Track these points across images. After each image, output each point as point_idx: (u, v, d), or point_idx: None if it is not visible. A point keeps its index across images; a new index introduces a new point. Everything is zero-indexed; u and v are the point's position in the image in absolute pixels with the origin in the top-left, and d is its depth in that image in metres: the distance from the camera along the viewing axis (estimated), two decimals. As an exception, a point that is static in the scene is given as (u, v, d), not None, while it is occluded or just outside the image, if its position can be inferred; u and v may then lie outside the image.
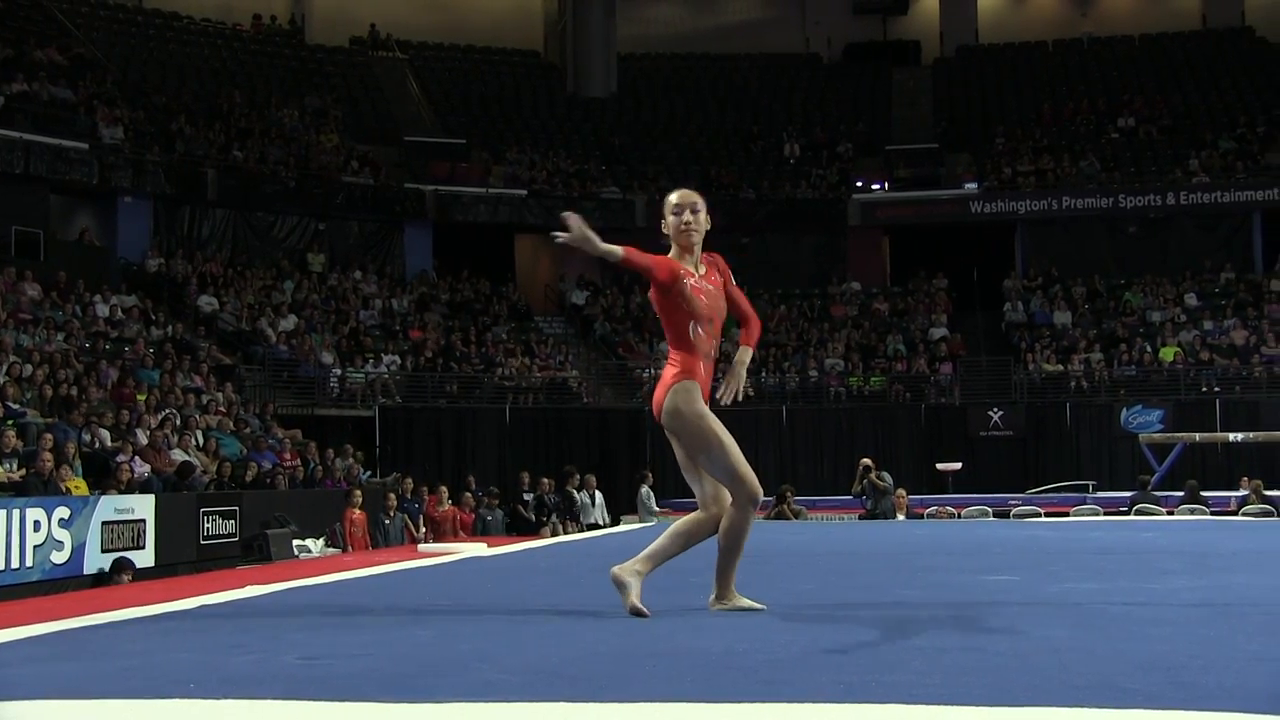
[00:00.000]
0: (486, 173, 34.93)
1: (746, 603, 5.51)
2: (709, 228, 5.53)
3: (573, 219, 5.20)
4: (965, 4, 42.79)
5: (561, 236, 5.19)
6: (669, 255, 5.51)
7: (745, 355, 5.68)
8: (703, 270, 5.50)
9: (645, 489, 21.63)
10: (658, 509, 21.69)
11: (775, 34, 42.66)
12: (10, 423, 16.37)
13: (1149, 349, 30.31)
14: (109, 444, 17.75)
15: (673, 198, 5.56)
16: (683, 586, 7.13)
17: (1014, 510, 20.94)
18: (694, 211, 5.46)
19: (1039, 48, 41.47)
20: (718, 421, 5.43)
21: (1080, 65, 40.30)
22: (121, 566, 13.24)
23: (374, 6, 40.65)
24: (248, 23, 39.39)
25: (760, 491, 5.48)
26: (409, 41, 40.42)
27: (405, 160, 34.88)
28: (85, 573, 13.70)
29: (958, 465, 25.98)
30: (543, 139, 37.43)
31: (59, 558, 13.35)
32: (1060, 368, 30.21)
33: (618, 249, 5.33)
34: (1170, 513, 18.44)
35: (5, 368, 18.91)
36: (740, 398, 5.66)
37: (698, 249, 5.50)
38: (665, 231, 5.56)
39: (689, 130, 38.81)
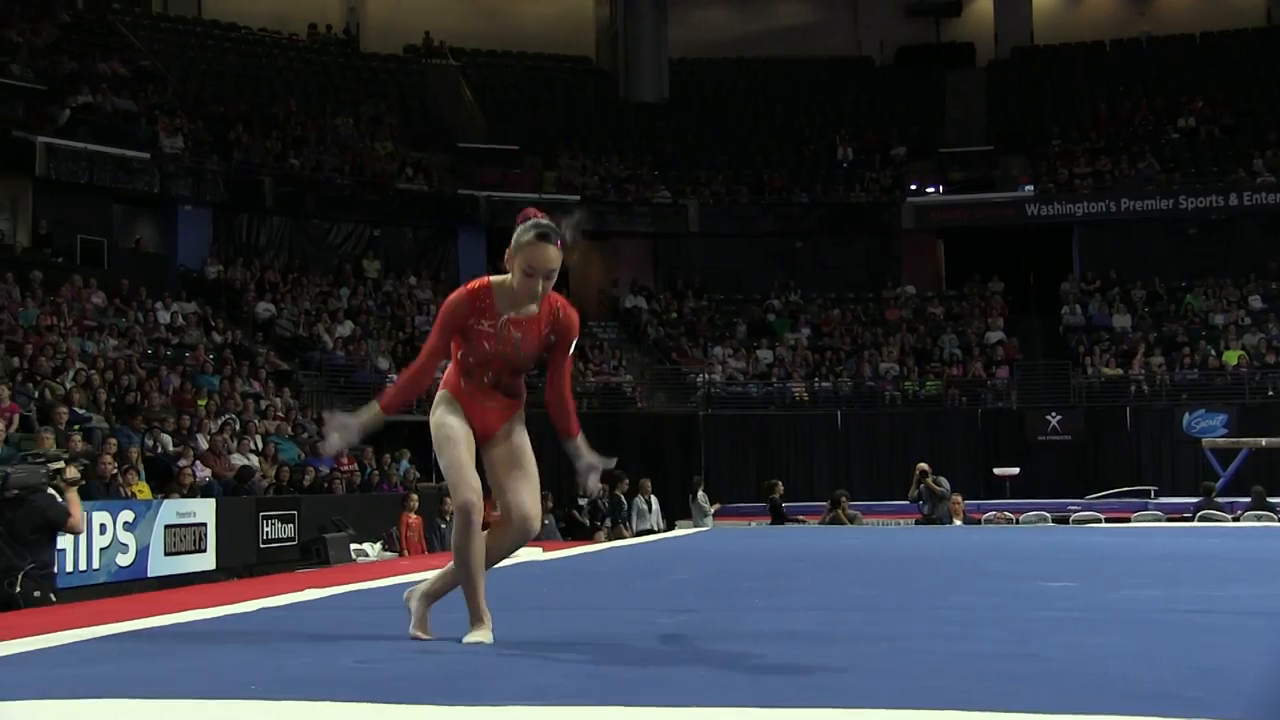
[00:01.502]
0: (538, 179, 35.01)
1: (422, 620, 4.95)
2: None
3: (332, 435, 5.11)
4: (1020, 5, 42.44)
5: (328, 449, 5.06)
6: (504, 279, 4.82)
7: (581, 447, 5.12)
8: (523, 312, 4.80)
9: (700, 493, 21.65)
10: (711, 513, 21.69)
11: (827, 37, 42.51)
12: (76, 428, 16.59)
13: (1212, 352, 29.95)
14: (171, 449, 17.96)
15: (530, 254, 4.68)
16: (734, 591, 7.14)
17: (1073, 516, 20.77)
18: (546, 278, 4.72)
19: (1096, 48, 41.04)
20: (457, 428, 4.83)
21: (1138, 65, 39.86)
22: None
23: (427, 15, 40.84)
24: (303, 32, 39.67)
25: (473, 504, 4.73)
26: (461, 49, 40.57)
27: (458, 167, 34.99)
28: (150, 575, 13.86)
29: (1015, 470, 25.75)
30: (594, 144, 37.45)
31: (124, 560, 13.52)
32: (1120, 371, 29.90)
33: (374, 405, 4.98)
34: (1235, 519, 18.21)
35: (71, 374, 19.17)
36: (594, 490, 5.33)
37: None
38: (505, 264, 4.81)
39: (741, 134, 38.72)
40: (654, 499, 21.81)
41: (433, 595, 4.97)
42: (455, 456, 4.78)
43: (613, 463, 5.16)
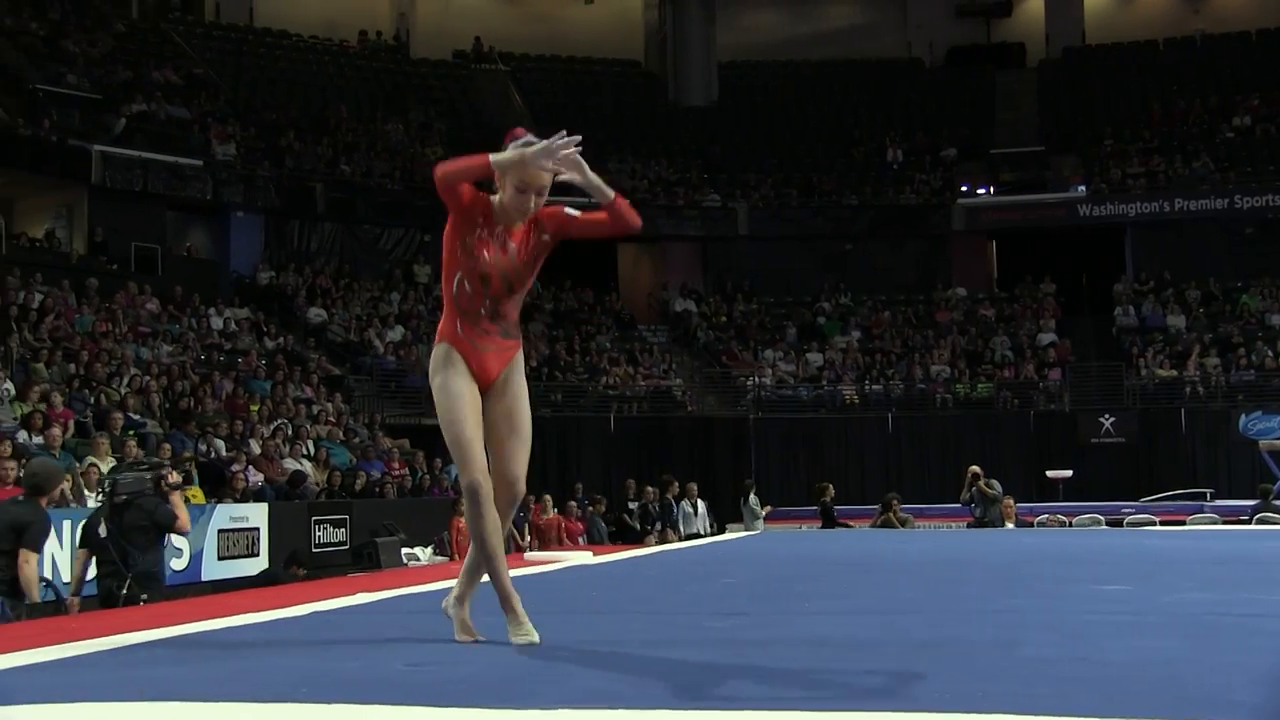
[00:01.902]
0: (588, 183, 35.02)
1: (464, 624, 4.81)
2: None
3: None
4: (1071, 4, 42.10)
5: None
6: (498, 197, 4.79)
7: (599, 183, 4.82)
8: (514, 225, 4.79)
9: (752, 497, 21.63)
10: (763, 516, 21.65)
11: (876, 39, 42.33)
12: (131, 433, 16.76)
13: (1269, 353, 29.61)
14: (224, 453, 18.11)
15: (522, 174, 4.69)
16: (785, 594, 7.13)
17: (1127, 519, 20.60)
18: (538, 195, 4.74)
19: (1149, 47, 40.71)
20: (461, 397, 4.72)
21: (1192, 63, 39.45)
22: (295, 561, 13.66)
23: (476, 21, 40.99)
24: (354, 39, 39.91)
25: (476, 491, 4.64)
26: (511, 54, 40.70)
27: (508, 172, 35.05)
28: (203, 579, 13.97)
29: (1068, 473, 25.54)
30: (643, 148, 37.45)
31: (179, 565, 13.63)
32: (1174, 373, 29.61)
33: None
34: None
35: (126, 380, 19.38)
36: (567, 173, 4.71)
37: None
38: (499, 185, 4.78)
39: (790, 137, 38.65)
40: (701, 502, 21.77)
41: (463, 597, 4.88)
42: (461, 434, 4.66)
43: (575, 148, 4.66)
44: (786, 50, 41.59)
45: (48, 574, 9.47)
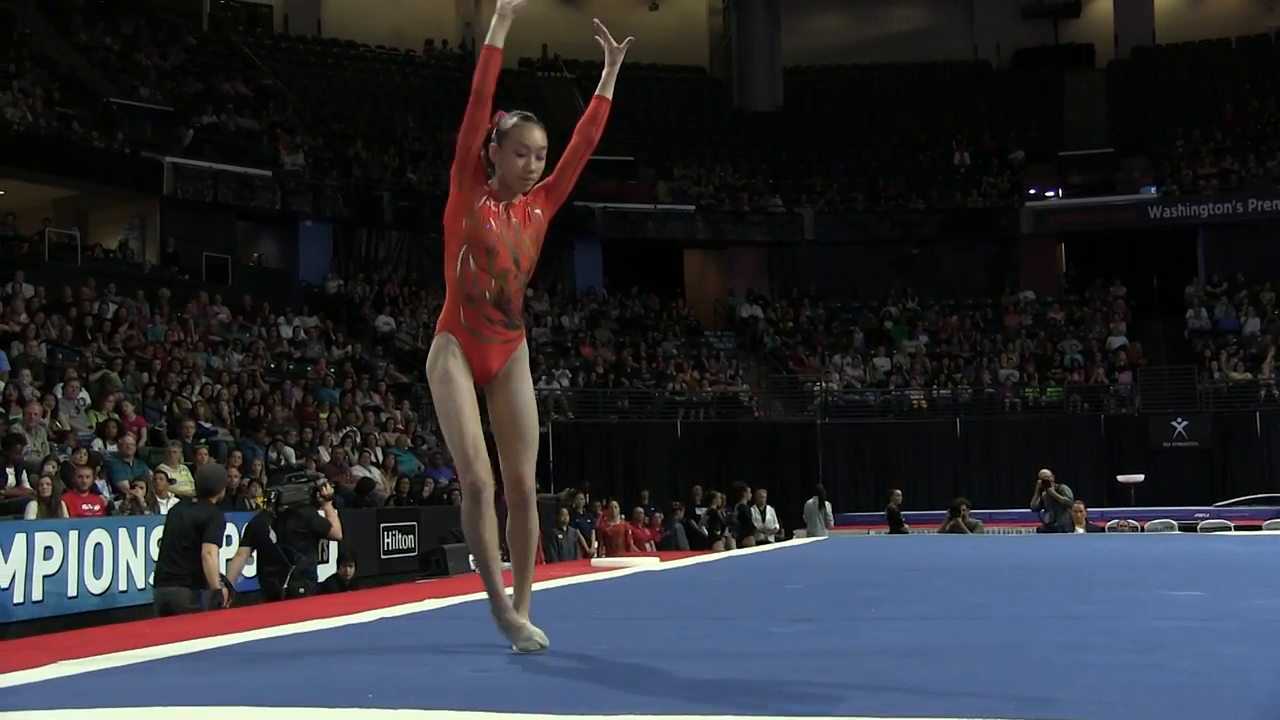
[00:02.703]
0: (653, 189, 35.11)
1: (528, 629, 4.60)
2: None
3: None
4: (1141, 4, 41.68)
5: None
6: (491, 178, 4.75)
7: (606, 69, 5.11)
8: (516, 200, 4.76)
9: (823, 502, 21.51)
10: (831, 521, 21.53)
11: (942, 42, 42.10)
12: (202, 441, 16.95)
13: (1349, 356, 29.14)
14: (293, 461, 18.24)
15: (518, 133, 4.76)
16: (852, 600, 7.10)
17: (1201, 523, 20.36)
18: (539, 159, 4.75)
19: (1220, 45, 40.21)
20: (459, 391, 4.59)
21: (1266, 62, 38.93)
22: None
23: (542, 28, 41.09)
24: (420, 49, 40.21)
25: (478, 492, 4.51)
26: (576, 61, 40.80)
27: (573, 179, 35.16)
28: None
29: (1140, 477, 25.21)
30: (709, 154, 37.48)
31: (249, 570, 13.73)
32: (1249, 375, 29.20)
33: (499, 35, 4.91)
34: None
35: (198, 388, 19.59)
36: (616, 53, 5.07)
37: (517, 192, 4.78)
38: (492, 159, 4.75)
39: (856, 141, 38.53)
40: (770, 508, 21.71)
41: (502, 606, 4.63)
42: (459, 429, 4.53)
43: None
44: (852, 54, 41.49)
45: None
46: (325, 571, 13.70)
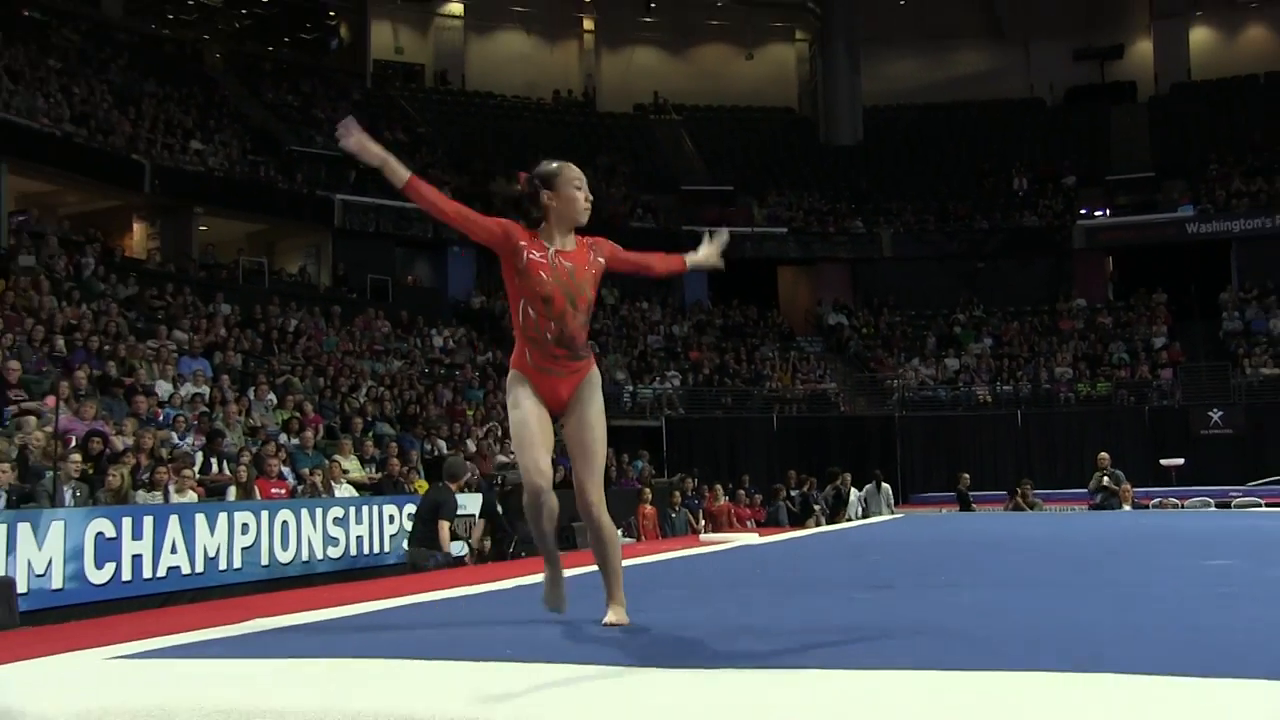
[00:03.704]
0: (751, 214, 35.05)
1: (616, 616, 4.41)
2: None
3: (351, 131, 4.23)
4: (1178, 45, 40.87)
5: (344, 143, 4.26)
6: (539, 228, 4.41)
7: (698, 258, 4.82)
8: (567, 246, 4.41)
9: (884, 485, 21.27)
10: (892, 500, 21.28)
11: (1002, 82, 41.54)
12: (369, 435, 17.22)
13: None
14: (445, 452, 18.44)
15: (570, 172, 4.44)
16: (925, 569, 7.05)
17: (1235, 501, 19.86)
18: (590, 192, 4.47)
19: (1250, 81, 39.24)
20: (526, 409, 4.37)
21: (1290, 94, 37.98)
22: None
23: (654, 78, 41.31)
24: (549, 97, 40.52)
25: (537, 494, 4.29)
26: (683, 105, 40.90)
27: (681, 206, 35.27)
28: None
29: (1180, 461, 24.66)
30: (798, 183, 37.33)
31: (409, 545, 13.97)
32: (1277, 371, 28.47)
33: (402, 172, 4.24)
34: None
35: (364, 390, 19.90)
36: (717, 261, 4.81)
37: (572, 231, 4.46)
38: (550, 204, 4.38)
39: (927, 170, 38.13)
40: (854, 490, 21.55)
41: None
42: (523, 440, 4.34)
43: (722, 247, 4.78)
44: (923, 94, 41.08)
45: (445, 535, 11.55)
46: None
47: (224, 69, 33.69)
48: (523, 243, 4.34)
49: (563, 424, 4.53)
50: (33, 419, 12.21)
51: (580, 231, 4.49)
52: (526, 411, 4.36)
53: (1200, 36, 41.38)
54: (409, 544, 11.86)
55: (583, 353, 4.49)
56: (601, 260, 4.47)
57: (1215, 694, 2.68)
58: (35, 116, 23.75)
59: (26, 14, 29.78)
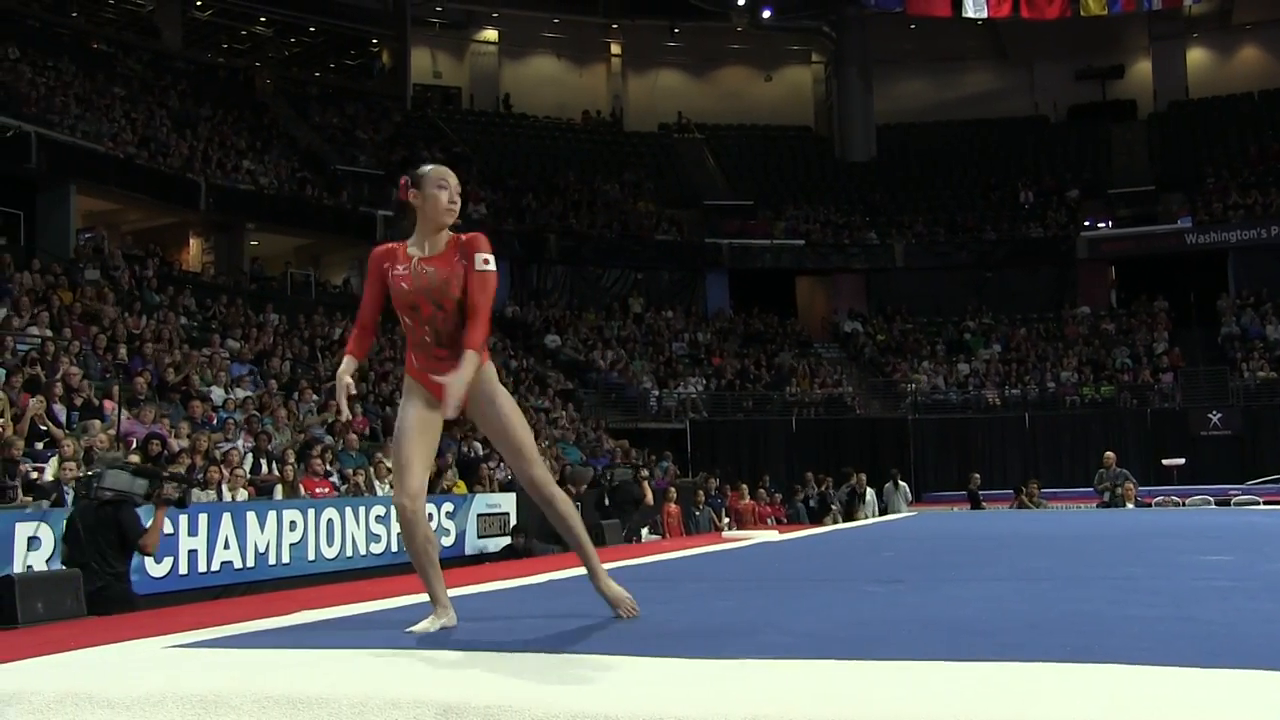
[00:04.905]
0: (770, 227, 35.03)
1: (620, 597, 4.37)
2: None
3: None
4: (1176, 64, 40.63)
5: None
6: (413, 233, 4.27)
7: (464, 362, 4.05)
8: (437, 250, 4.22)
9: (901, 483, 21.23)
10: (910, 497, 21.22)
11: (1008, 101, 41.43)
12: (409, 438, 17.19)
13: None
14: (480, 453, 18.48)
15: (438, 173, 4.26)
16: (936, 564, 7.02)
17: (1234, 499, 19.70)
18: (457, 194, 4.26)
19: (1245, 98, 38.97)
20: (408, 427, 4.20)
21: (1284, 111, 37.69)
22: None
23: (678, 99, 41.33)
24: (579, 117, 40.60)
25: (405, 503, 4.13)
26: (705, 124, 40.92)
27: (704, 220, 35.28)
28: (466, 554, 14.33)
29: (1181, 460, 24.53)
30: (815, 197, 37.27)
31: (447, 541, 14.02)
32: (1274, 374, 28.26)
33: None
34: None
35: (404, 394, 19.91)
36: (452, 414, 4.05)
37: (445, 231, 4.26)
38: (414, 203, 4.23)
39: (937, 184, 38.02)
40: (870, 490, 21.49)
41: (599, 575, 4.44)
42: (397, 459, 4.20)
43: (456, 402, 4.01)
44: (933, 113, 40.99)
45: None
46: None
47: (274, 94, 33.91)
48: (386, 265, 4.24)
49: (476, 423, 4.40)
50: (97, 422, 12.32)
51: (459, 230, 4.30)
52: (404, 426, 4.22)
53: (1197, 57, 41.14)
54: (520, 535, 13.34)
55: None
56: (465, 264, 4.18)
57: (1213, 683, 2.66)
58: (100, 140, 24.04)
59: (96, 46, 30.14)
